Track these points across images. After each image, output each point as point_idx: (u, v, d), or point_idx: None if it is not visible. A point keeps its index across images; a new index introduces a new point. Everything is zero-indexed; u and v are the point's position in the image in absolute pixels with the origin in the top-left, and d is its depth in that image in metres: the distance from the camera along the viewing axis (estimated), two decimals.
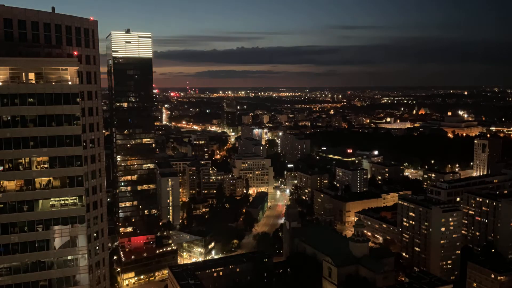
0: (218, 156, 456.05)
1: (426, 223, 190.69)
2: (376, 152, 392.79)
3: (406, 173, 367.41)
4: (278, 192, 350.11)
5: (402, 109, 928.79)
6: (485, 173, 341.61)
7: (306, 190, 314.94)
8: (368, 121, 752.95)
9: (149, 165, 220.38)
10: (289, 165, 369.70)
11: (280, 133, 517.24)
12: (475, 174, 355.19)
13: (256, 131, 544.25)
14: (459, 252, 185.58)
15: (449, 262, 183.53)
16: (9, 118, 77.67)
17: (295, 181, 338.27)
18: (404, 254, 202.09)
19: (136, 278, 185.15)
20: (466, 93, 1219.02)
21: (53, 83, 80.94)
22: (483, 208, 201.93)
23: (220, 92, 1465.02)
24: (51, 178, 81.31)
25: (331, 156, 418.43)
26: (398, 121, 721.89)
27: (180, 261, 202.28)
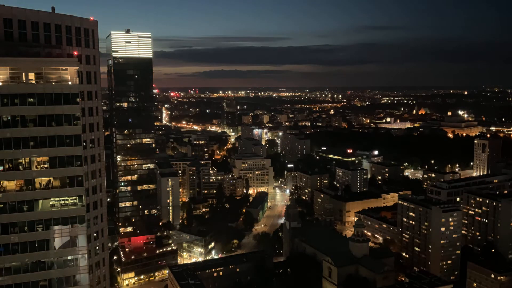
0: (218, 156, 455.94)
1: (426, 223, 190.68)
2: (376, 152, 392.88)
3: (406, 173, 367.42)
4: (278, 192, 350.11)
5: (402, 109, 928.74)
6: (485, 173, 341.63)
7: (306, 190, 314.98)
8: (368, 121, 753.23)
9: (149, 165, 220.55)
10: (289, 165, 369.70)
11: (280, 133, 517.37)
12: (475, 174, 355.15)
13: (256, 131, 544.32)
14: (459, 252, 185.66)
15: (449, 262, 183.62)
16: (9, 118, 77.59)
17: (295, 181, 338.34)
18: (404, 254, 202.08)
19: (136, 278, 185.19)
20: (466, 93, 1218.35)
21: (53, 83, 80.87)
22: (483, 208, 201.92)
23: (220, 92, 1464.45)
24: (51, 178, 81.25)
25: (331, 156, 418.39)
26: (398, 121, 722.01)
27: (180, 261, 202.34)
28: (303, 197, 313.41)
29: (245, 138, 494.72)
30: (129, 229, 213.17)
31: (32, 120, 78.78)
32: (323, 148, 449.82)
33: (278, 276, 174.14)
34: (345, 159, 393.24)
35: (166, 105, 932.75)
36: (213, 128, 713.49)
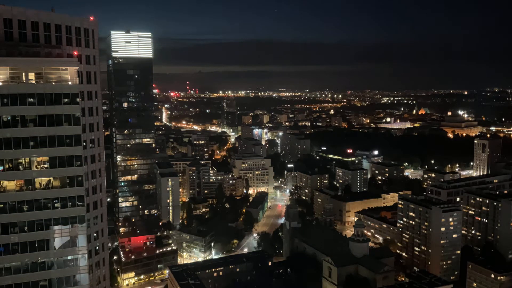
0: (218, 156, 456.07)
1: (426, 223, 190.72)
2: (376, 152, 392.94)
3: (406, 173, 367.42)
4: (278, 192, 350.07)
5: (402, 109, 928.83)
6: (485, 173, 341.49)
7: (306, 190, 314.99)
8: (368, 121, 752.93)
9: (149, 165, 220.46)
10: (289, 165, 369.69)
11: (280, 133, 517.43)
12: (475, 174, 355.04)
13: (256, 131, 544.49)
14: (459, 252, 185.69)
15: (449, 262, 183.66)
16: (9, 118, 77.53)
17: (295, 181, 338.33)
18: (404, 254, 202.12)
19: (136, 278, 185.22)
20: (466, 93, 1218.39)
21: (53, 83, 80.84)
22: (483, 208, 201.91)
23: (220, 92, 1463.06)
24: (51, 178, 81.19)
25: (331, 156, 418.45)
26: (398, 121, 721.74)
27: (180, 261, 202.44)
28: (303, 197, 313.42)
29: (245, 138, 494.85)
30: (129, 229, 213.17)
31: (32, 120, 78.69)
32: (323, 148, 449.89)
33: (278, 276, 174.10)
34: (345, 159, 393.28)
35: (166, 105, 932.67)
36: (213, 128, 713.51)
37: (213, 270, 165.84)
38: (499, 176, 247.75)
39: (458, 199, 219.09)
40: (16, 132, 77.94)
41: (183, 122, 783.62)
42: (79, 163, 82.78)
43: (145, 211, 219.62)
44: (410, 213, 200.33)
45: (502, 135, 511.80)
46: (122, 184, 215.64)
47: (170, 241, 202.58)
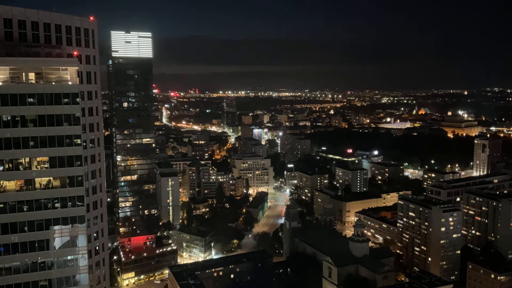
0: (218, 156, 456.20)
1: (426, 223, 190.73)
2: (376, 152, 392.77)
3: (406, 173, 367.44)
4: (278, 192, 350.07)
5: (402, 109, 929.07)
6: (485, 173, 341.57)
7: (306, 190, 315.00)
8: (368, 121, 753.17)
9: (149, 165, 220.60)
10: (289, 165, 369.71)
11: (280, 133, 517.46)
12: (475, 174, 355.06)
13: (256, 131, 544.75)
14: (459, 252, 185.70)
15: (449, 262, 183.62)
16: (9, 118, 77.43)
17: (295, 181, 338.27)
18: (404, 254, 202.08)
19: (136, 278, 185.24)
20: (466, 93, 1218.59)
21: (53, 83, 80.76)
22: (483, 208, 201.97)
23: (220, 92, 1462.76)
24: (51, 178, 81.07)
25: (331, 156, 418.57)
26: (398, 121, 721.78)
27: (180, 261, 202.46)
28: (303, 197, 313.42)
29: (245, 138, 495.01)
30: (129, 229, 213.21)
31: (32, 120, 78.55)
32: (323, 148, 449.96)
33: (278, 276, 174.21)
34: (345, 159, 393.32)
35: (166, 105, 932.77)
36: (213, 128, 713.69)
37: (213, 270, 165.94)
38: (499, 176, 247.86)
39: (458, 199, 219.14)
40: (16, 132, 77.83)
41: (183, 122, 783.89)
42: (79, 163, 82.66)
43: (145, 211, 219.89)
44: (410, 213, 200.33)
45: (502, 135, 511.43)
46: (122, 184, 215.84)
47: (170, 241, 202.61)
